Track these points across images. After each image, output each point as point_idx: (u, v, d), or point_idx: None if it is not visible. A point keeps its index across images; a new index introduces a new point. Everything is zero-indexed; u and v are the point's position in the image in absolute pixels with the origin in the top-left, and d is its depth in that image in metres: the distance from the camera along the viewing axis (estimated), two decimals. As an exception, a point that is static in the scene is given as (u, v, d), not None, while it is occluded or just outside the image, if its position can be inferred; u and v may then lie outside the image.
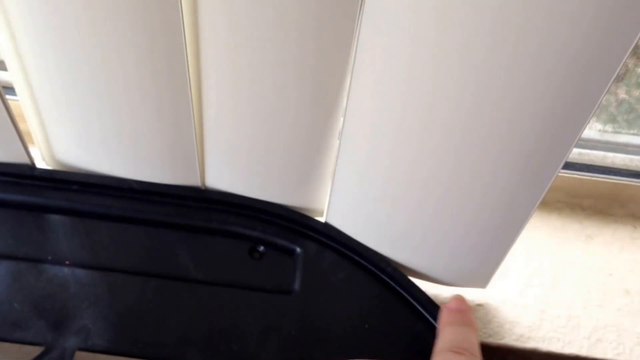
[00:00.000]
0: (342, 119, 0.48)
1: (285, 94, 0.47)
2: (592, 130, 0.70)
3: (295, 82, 0.45)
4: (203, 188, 0.58)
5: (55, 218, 0.56)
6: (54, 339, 0.49)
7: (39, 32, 0.46)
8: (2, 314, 0.50)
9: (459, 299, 0.51)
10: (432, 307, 0.52)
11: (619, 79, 0.67)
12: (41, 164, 0.59)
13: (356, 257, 0.55)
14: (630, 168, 0.69)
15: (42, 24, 0.45)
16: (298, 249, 0.56)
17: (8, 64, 0.51)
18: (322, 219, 0.58)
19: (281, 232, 0.57)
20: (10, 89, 0.55)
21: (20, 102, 0.54)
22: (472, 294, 0.58)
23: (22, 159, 0.57)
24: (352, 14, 0.41)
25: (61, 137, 0.55)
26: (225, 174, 0.56)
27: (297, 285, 0.54)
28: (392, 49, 0.40)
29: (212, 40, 0.44)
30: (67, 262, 0.53)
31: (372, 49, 0.41)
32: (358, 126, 0.47)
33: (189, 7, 0.43)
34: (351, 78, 0.44)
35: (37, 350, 0.49)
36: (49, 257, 0.54)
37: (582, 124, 0.40)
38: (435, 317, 0.52)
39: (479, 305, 0.58)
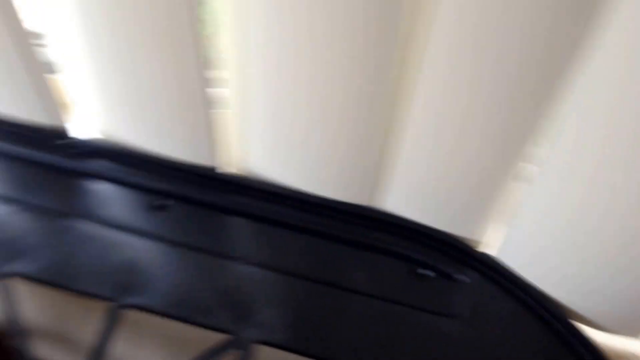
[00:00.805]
0: (523, 164, 0.51)
1: (484, 135, 0.50)
2: None
3: (494, 127, 0.49)
4: (377, 209, 0.62)
5: (241, 221, 0.63)
6: (237, 329, 0.54)
7: (264, 53, 0.51)
8: (195, 301, 0.56)
9: None
10: (594, 351, 0.54)
11: None
12: (231, 169, 0.65)
13: (520, 293, 0.58)
14: None
15: (268, 46, 0.51)
16: (462, 277, 0.59)
17: (230, 80, 0.57)
18: (482, 250, 0.60)
19: (447, 259, 0.60)
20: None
21: (227, 114, 0.60)
22: (628, 343, 0.59)
23: (211, 162, 0.63)
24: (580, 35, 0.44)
25: (256, 148, 0.61)
26: (402, 198, 0.60)
27: (458, 311, 0.57)
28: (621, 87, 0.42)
29: (429, 77, 0.49)
30: (250, 261, 0.59)
31: (592, 92, 0.44)
32: (551, 176, 0.49)
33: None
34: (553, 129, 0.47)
35: (210, 339, 0.55)
36: (234, 254, 0.60)
37: None
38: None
39: (636, 355, 0.59)
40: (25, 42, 0.54)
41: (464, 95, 0.48)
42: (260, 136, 0.60)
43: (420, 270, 0.60)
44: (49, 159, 0.63)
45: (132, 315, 0.56)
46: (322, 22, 0.47)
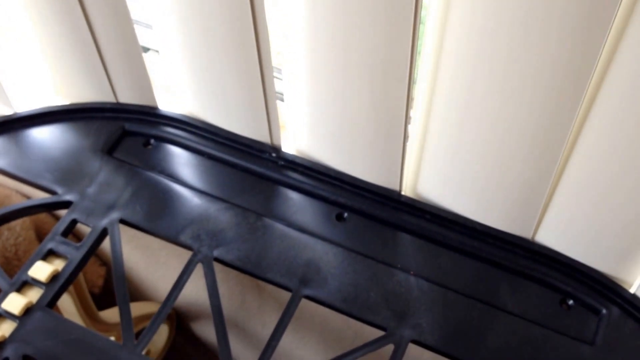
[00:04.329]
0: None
1: None
2: None
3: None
4: (535, 241, 0.69)
5: (408, 237, 0.72)
6: (395, 327, 0.64)
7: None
8: (361, 299, 0.66)
9: None
10: None
11: None
12: (405, 192, 0.75)
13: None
14: None
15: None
16: (604, 310, 0.64)
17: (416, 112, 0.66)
18: (631, 290, 0.65)
19: (592, 292, 0.66)
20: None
21: (413, 141, 0.69)
22: None
23: (394, 185, 0.73)
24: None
25: (431, 175, 0.70)
26: (559, 233, 0.66)
27: (598, 341, 0.63)
28: None
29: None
30: (412, 273, 0.68)
31: None
32: None
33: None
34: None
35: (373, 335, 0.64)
36: (399, 265, 0.69)
37: None
38: None
39: None
40: (271, 76, 0.67)
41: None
42: (437, 166, 0.68)
43: (568, 301, 0.66)
44: (255, 169, 0.77)
45: (302, 305, 0.66)
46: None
